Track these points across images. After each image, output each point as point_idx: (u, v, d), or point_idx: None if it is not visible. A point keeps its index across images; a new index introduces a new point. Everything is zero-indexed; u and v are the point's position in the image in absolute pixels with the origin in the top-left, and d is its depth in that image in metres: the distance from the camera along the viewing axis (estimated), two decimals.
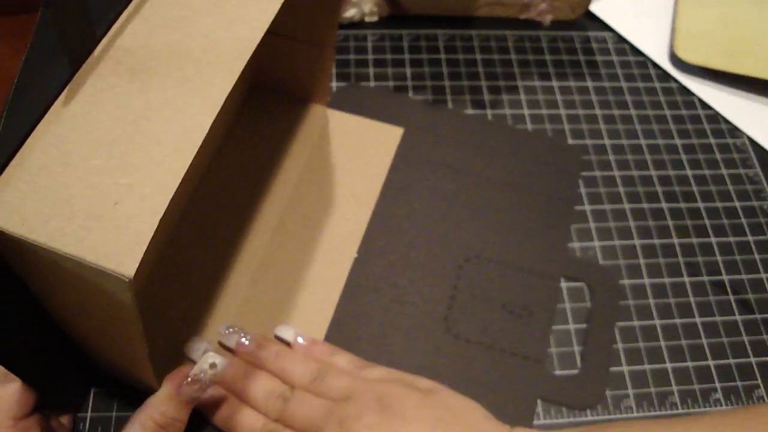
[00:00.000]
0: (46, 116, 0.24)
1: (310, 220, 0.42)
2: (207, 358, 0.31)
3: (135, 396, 0.32)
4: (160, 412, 0.30)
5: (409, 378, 0.35)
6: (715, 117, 0.51)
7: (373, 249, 0.42)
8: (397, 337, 0.39)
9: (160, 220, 0.23)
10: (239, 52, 0.27)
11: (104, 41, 0.27)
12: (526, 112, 0.50)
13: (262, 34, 0.27)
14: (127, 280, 0.21)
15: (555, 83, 0.52)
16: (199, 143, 0.24)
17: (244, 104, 0.47)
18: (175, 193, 0.23)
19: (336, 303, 0.39)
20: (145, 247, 0.22)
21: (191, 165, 0.24)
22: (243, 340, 0.36)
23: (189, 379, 0.31)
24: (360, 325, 0.39)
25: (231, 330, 0.37)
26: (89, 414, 0.35)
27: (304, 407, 0.33)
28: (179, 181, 0.23)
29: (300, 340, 0.37)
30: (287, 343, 0.37)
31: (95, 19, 0.26)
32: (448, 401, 0.33)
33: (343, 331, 0.38)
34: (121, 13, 0.27)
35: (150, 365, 0.29)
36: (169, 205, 0.23)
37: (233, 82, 0.26)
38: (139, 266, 0.22)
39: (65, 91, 0.25)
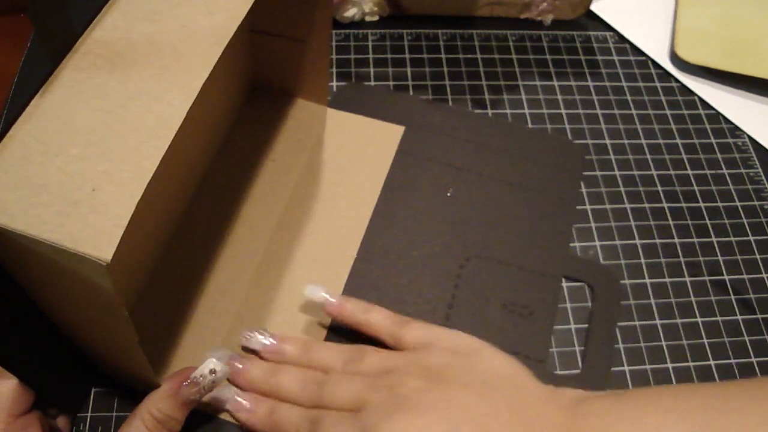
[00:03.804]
0: (27, 109, 0.25)
1: (310, 219, 0.42)
2: (208, 364, 0.31)
3: (135, 396, 0.32)
4: (158, 408, 0.31)
5: (450, 336, 0.34)
6: (716, 116, 0.51)
7: (373, 249, 0.42)
8: None
9: (138, 204, 0.23)
10: (216, 40, 0.27)
11: (84, 35, 0.27)
12: (526, 111, 0.50)
13: (238, 23, 0.28)
14: (104, 264, 0.22)
15: (556, 83, 0.52)
16: (176, 128, 0.25)
17: (244, 104, 0.47)
18: (155, 179, 0.24)
19: None
20: (122, 231, 0.22)
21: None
22: (264, 340, 0.36)
23: (188, 381, 0.31)
24: None
25: (251, 334, 0.36)
26: (89, 414, 0.35)
27: (343, 386, 0.32)
28: (156, 166, 0.24)
29: (331, 299, 0.36)
30: (317, 305, 0.37)
31: (75, 13, 0.27)
32: (493, 363, 0.32)
33: (344, 331, 0.38)
34: (101, 7, 0.28)
35: (143, 356, 0.29)
36: (147, 191, 0.23)
37: (210, 69, 0.26)
38: (117, 251, 0.22)
39: (45, 83, 0.26)
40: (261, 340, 0.36)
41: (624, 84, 0.52)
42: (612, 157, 0.48)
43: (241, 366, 0.35)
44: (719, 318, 0.41)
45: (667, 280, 0.43)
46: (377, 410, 0.30)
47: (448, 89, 0.50)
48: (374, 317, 0.36)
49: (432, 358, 0.32)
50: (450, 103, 0.50)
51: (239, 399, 0.34)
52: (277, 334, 0.36)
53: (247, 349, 0.37)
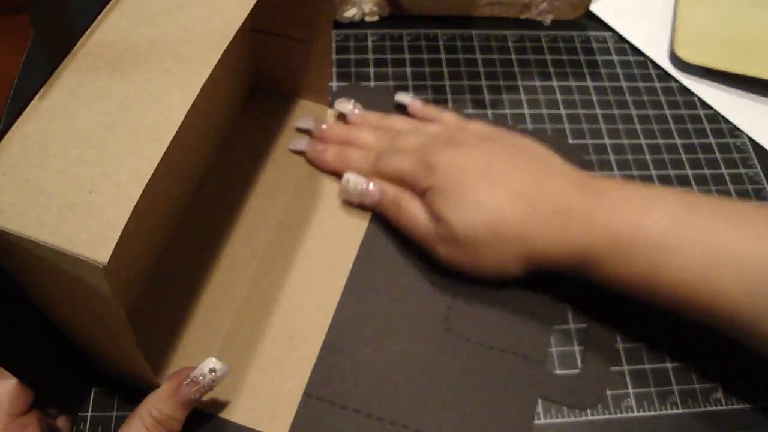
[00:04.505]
0: (26, 110, 0.25)
1: (310, 219, 0.42)
2: (207, 363, 0.31)
3: (135, 396, 0.32)
4: (158, 408, 0.31)
5: (502, 130, 0.42)
6: (716, 117, 0.51)
7: (373, 249, 0.42)
8: (397, 337, 0.39)
9: (136, 207, 0.23)
10: (216, 42, 0.27)
11: (84, 37, 0.27)
12: (526, 111, 0.50)
13: (239, 25, 0.28)
14: (101, 266, 0.22)
15: (555, 83, 0.52)
16: (175, 131, 0.25)
17: (245, 105, 0.47)
18: (153, 181, 0.24)
19: (336, 303, 0.39)
20: (119, 234, 0.22)
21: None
22: (353, 108, 0.45)
23: (188, 380, 0.31)
24: (360, 325, 0.39)
25: (344, 99, 0.45)
26: (89, 414, 0.35)
27: (410, 138, 0.41)
28: (154, 168, 0.24)
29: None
30: (405, 108, 0.46)
31: (76, 15, 0.27)
32: (532, 142, 0.39)
33: (343, 331, 0.38)
34: (102, 9, 0.28)
35: (141, 357, 0.29)
36: (145, 193, 0.23)
37: (209, 71, 0.26)
38: (114, 253, 0.22)
39: (45, 85, 0.26)
40: (350, 108, 0.45)
41: (623, 84, 0.53)
42: (611, 157, 0.48)
43: (325, 126, 0.44)
44: None
45: None
46: (433, 146, 0.39)
47: (448, 89, 0.50)
48: (445, 117, 0.44)
49: (486, 129, 0.42)
50: (450, 103, 0.50)
51: (316, 143, 0.44)
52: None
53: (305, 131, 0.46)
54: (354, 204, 0.42)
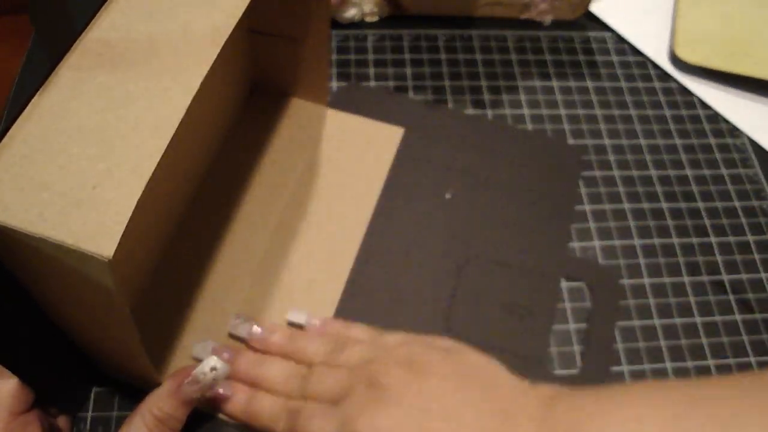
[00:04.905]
0: (27, 108, 0.25)
1: (309, 220, 0.42)
2: (209, 362, 0.31)
3: (135, 396, 0.32)
4: (159, 407, 0.31)
5: (429, 338, 0.34)
6: (715, 117, 0.51)
7: (373, 250, 0.42)
8: None
9: (139, 201, 0.23)
10: (214, 39, 0.28)
11: (84, 34, 0.27)
12: (526, 112, 0.50)
13: (236, 21, 0.28)
14: (106, 260, 0.22)
15: (555, 83, 0.52)
16: (176, 126, 0.25)
17: (245, 105, 0.47)
18: (155, 177, 0.24)
19: (336, 303, 0.39)
20: (123, 228, 0.22)
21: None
22: (255, 328, 0.36)
23: (189, 379, 0.31)
24: None
25: (241, 319, 0.37)
26: (90, 414, 0.35)
27: (326, 379, 0.32)
28: (156, 163, 0.24)
29: (313, 321, 0.37)
30: (300, 327, 0.38)
31: (75, 13, 0.27)
32: (470, 358, 0.32)
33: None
34: (100, 7, 0.28)
35: (144, 354, 0.29)
36: (148, 188, 0.24)
37: (208, 67, 0.27)
38: (118, 248, 0.22)
39: (46, 83, 0.26)
40: (249, 329, 0.36)
41: (623, 84, 0.53)
42: (611, 157, 0.48)
43: (227, 356, 0.35)
44: (718, 318, 0.42)
45: (666, 280, 0.43)
46: (355, 402, 0.30)
47: (448, 90, 0.51)
48: (355, 332, 0.36)
49: (413, 349, 0.32)
50: (450, 103, 0.50)
51: (218, 388, 0.34)
52: (268, 324, 0.37)
53: (234, 337, 0.37)
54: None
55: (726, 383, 0.29)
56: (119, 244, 0.22)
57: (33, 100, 0.25)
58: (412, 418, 0.29)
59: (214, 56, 0.27)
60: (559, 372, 0.39)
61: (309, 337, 0.36)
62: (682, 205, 0.46)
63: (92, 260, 0.22)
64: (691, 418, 0.26)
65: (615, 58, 0.54)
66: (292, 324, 0.38)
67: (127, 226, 0.22)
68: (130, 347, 0.29)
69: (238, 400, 0.34)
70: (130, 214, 0.23)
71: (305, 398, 0.32)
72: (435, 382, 0.30)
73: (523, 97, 0.51)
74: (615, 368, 0.39)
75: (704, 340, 0.41)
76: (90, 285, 0.24)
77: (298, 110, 0.47)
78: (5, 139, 0.24)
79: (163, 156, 0.24)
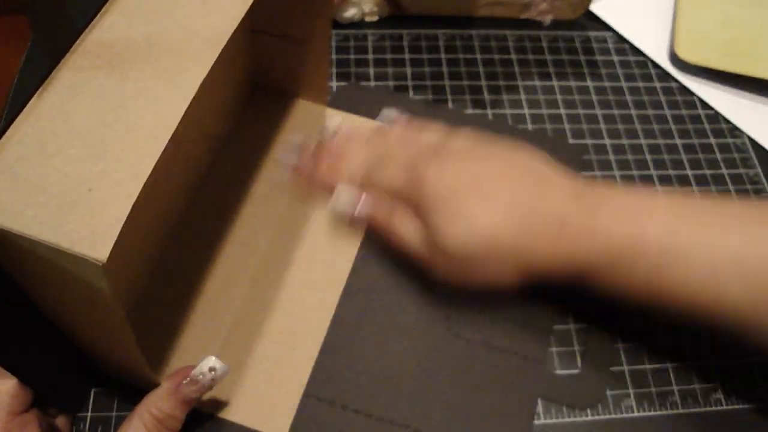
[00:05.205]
0: (25, 109, 0.25)
1: (309, 220, 0.42)
2: (207, 362, 0.31)
3: (135, 396, 0.32)
4: (158, 407, 0.31)
5: (493, 140, 0.40)
6: (716, 117, 0.51)
7: (373, 249, 0.42)
8: (397, 337, 0.39)
9: (135, 204, 0.23)
10: (214, 41, 0.28)
11: (83, 36, 0.27)
12: (526, 111, 0.50)
13: (237, 23, 0.28)
14: (100, 264, 0.22)
15: (555, 83, 0.52)
16: (174, 128, 0.25)
17: (245, 105, 0.47)
18: (152, 179, 0.24)
19: (336, 303, 0.39)
20: (117, 232, 0.22)
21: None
22: (341, 125, 0.44)
23: (188, 379, 0.31)
24: (360, 325, 0.39)
25: (333, 114, 0.45)
26: (89, 414, 0.35)
27: (400, 152, 0.39)
28: (153, 166, 0.24)
29: (402, 117, 0.44)
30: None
31: (74, 14, 0.27)
32: (527, 155, 0.38)
33: (343, 331, 0.38)
34: (100, 7, 0.28)
35: (141, 356, 0.29)
36: (144, 190, 0.23)
37: (207, 69, 0.27)
38: (113, 251, 0.22)
39: (44, 84, 0.26)
40: (336, 126, 0.44)
41: (623, 84, 0.53)
42: (611, 157, 0.48)
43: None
44: None
45: None
46: (424, 160, 0.37)
47: (448, 89, 0.50)
48: (428, 135, 0.41)
49: (477, 138, 0.40)
50: (450, 103, 0.50)
51: (308, 157, 0.43)
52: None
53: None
54: (344, 220, 0.41)
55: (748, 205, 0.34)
56: (114, 247, 0.22)
57: (31, 101, 0.25)
58: (469, 174, 0.36)
59: (214, 59, 0.27)
60: (559, 371, 0.39)
61: (385, 129, 0.43)
62: None
63: (87, 264, 0.22)
64: (703, 209, 0.34)
65: (615, 58, 0.54)
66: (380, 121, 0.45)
67: (122, 230, 0.22)
68: (126, 348, 0.29)
69: (324, 164, 0.42)
70: (125, 217, 0.23)
71: (381, 162, 0.40)
72: (492, 159, 0.38)
73: (523, 97, 0.51)
74: (615, 368, 0.39)
75: (704, 340, 0.40)
76: (85, 287, 0.24)
77: (299, 110, 0.47)
78: (2, 140, 0.24)
79: (160, 158, 0.24)
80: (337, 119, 0.44)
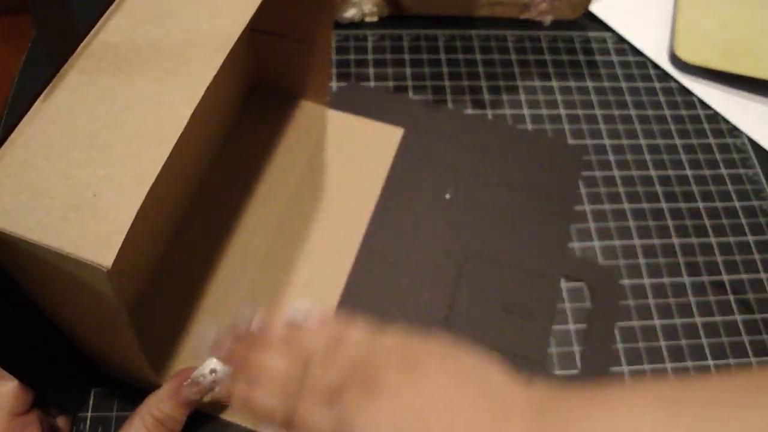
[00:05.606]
0: (29, 112, 0.25)
1: (310, 220, 0.42)
2: (208, 364, 0.31)
3: (135, 396, 0.32)
4: (158, 408, 0.31)
5: (427, 337, 0.34)
6: (715, 117, 0.51)
7: (373, 250, 0.42)
8: None
9: (139, 210, 0.23)
10: (220, 45, 0.27)
11: (88, 38, 0.27)
12: (526, 112, 0.50)
13: (242, 28, 0.28)
14: (104, 270, 0.22)
15: (555, 83, 0.52)
16: (179, 133, 0.25)
17: (245, 105, 0.47)
18: (156, 184, 0.24)
19: (336, 303, 0.39)
20: (123, 237, 0.22)
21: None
22: (256, 320, 0.35)
23: (189, 381, 0.31)
24: None
25: (247, 309, 0.36)
26: (89, 414, 0.35)
27: (323, 375, 0.32)
28: (158, 170, 0.24)
29: (312, 317, 0.35)
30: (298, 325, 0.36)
31: (79, 16, 0.26)
32: (467, 357, 0.33)
33: None
34: (105, 10, 0.28)
35: (143, 358, 0.29)
36: (149, 195, 0.23)
37: (213, 74, 0.26)
38: (117, 256, 0.22)
39: (48, 87, 0.25)
40: (250, 319, 0.34)
41: (623, 84, 0.53)
42: (611, 157, 0.48)
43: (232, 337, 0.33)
44: (718, 318, 0.42)
45: (666, 280, 0.43)
46: (353, 398, 0.30)
47: (448, 90, 0.50)
48: (353, 333, 0.35)
49: (410, 348, 0.33)
50: (449, 103, 0.50)
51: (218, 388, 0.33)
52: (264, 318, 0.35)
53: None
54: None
55: (720, 382, 0.28)
56: (119, 253, 0.22)
57: (35, 104, 0.25)
58: (407, 413, 0.29)
59: (220, 63, 0.27)
60: (559, 372, 0.39)
61: (308, 333, 0.36)
62: (682, 205, 0.46)
63: (91, 269, 0.22)
64: (684, 419, 0.26)
65: (615, 58, 0.54)
66: (291, 318, 0.37)
67: (127, 235, 0.22)
68: (128, 351, 0.29)
69: (238, 391, 0.33)
70: (130, 223, 0.22)
71: (302, 394, 0.32)
72: (431, 380, 0.31)
73: (523, 97, 0.51)
74: (615, 368, 0.39)
75: (704, 341, 0.41)
76: (88, 291, 0.24)
77: (299, 110, 0.47)
78: (6, 143, 0.24)
79: (164, 163, 0.24)
80: (247, 311, 0.35)
